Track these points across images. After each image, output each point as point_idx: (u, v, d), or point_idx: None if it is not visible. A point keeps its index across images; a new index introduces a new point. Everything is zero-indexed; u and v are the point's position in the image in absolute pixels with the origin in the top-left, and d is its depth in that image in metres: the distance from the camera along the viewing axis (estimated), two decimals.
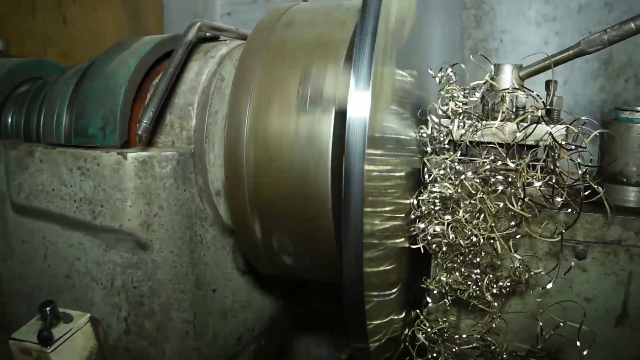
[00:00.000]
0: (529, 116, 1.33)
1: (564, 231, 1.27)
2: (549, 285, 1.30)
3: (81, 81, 1.85)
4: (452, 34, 2.72)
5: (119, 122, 1.67)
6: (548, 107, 1.37)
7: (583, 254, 1.40)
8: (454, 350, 1.45)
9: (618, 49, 2.69)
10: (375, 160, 1.11)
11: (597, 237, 1.41)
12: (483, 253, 1.35)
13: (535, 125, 1.27)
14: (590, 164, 1.37)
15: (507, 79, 1.54)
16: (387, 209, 1.25)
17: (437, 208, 1.33)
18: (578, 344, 1.27)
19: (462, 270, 1.38)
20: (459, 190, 1.32)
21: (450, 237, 1.35)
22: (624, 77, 2.69)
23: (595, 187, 1.29)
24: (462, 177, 1.29)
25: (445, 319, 1.50)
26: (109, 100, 1.69)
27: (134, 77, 1.71)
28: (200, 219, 1.70)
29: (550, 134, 1.25)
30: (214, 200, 1.70)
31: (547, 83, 1.58)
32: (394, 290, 1.39)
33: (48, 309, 1.57)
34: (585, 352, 1.25)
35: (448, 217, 1.36)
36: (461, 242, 1.33)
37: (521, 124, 1.36)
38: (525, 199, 1.26)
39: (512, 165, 1.30)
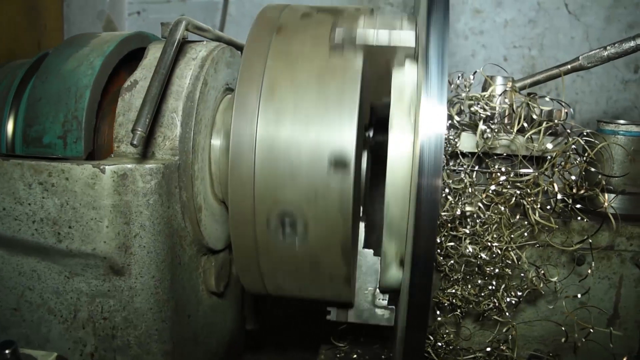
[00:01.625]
0: (543, 127, 1.35)
1: (590, 240, 1.31)
2: (579, 295, 1.34)
3: (26, 81, 1.60)
4: None
5: (85, 129, 1.47)
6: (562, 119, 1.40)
7: (582, 260, 1.46)
8: None
9: (541, 62, 2.88)
10: None
11: (592, 243, 1.47)
12: (501, 264, 1.35)
13: (567, 135, 1.30)
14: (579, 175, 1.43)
15: (500, 90, 1.56)
16: None
17: (469, 226, 1.31)
18: (611, 345, 1.31)
19: (479, 281, 1.37)
20: (481, 206, 1.31)
21: (469, 250, 1.34)
22: (545, 90, 2.89)
23: (602, 197, 1.34)
24: (491, 189, 1.28)
25: (448, 331, 1.49)
26: (71, 105, 1.47)
27: (98, 78, 1.51)
28: (180, 237, 1.53)
29: (574, 144, 1.29)
30: (197, 216, 1.55)
31: (529, 96, 1.63)
32: None
33: (8, 351, 1.32)
34: (624, 359, 1.30)
35: (465, 230, 1.34)
36: (482, 254, 1.32)
37: (534, 135, 1.38)
38: (553, 209, 1.28)
39: (531, 173, 1.31)
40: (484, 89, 1.59)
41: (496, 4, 2.93)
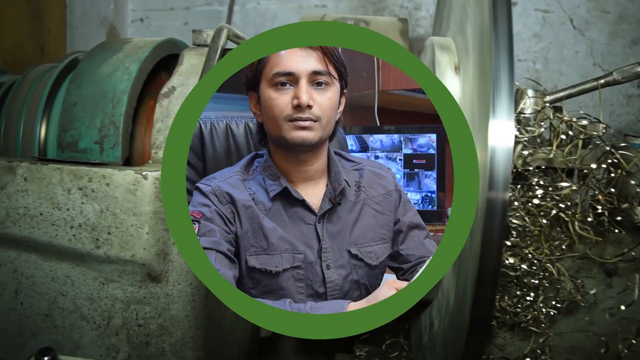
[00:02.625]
0: (581, 139, 1.38)
1: (633, 253, 1.34)
2: (622, 307, 1.37)
3: (57, 86, 1.58)
4: None
5: (122, 135, 1.45)
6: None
7: (614, 272, 1.49)
8: None
9: (545, 76, 2.93)
10: None
11: (623, 255, 1.50)
12: (540, 275, 1.37)
13: (610, 148, 1.33)
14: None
15: (531, 104, 1.59)
16: None
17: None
18: None
19: (517, 292, 1.39)
20: (526, 219, 1.33)
21: (508, 262, 1.36)
22: None
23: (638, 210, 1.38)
24: (534, 202, 1.30)
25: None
26: (108, 110, 1.46)
27: (135, 83, 1.50)
28: None
29: (618, 157, 1.32)
30: None
31: (555, 109, 1.66)
32: None
33: (47, 358, 1.30)
34: None
35: (506, 242, 1.36)
36: (524, 266, 1.34)
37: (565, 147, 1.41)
38: (599, 221, 1.30)
39: (569, 187, 1.34)
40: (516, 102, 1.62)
41: None
